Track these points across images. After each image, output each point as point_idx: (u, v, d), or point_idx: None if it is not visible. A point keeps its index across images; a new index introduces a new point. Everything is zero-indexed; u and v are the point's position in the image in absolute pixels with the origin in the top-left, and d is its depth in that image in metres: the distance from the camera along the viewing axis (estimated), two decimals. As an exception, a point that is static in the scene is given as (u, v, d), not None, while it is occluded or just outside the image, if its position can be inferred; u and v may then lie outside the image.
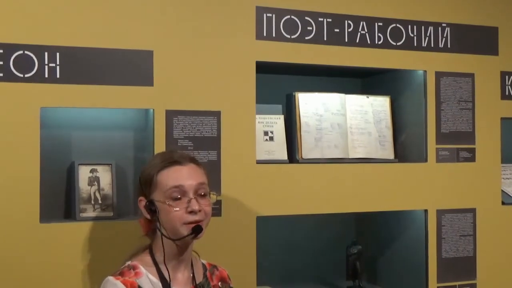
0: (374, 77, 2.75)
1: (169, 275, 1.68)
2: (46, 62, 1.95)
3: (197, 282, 1.76)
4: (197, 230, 1.66)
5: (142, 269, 1.67)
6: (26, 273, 1.90)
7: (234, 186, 2.13)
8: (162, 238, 1.68)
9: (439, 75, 2.50)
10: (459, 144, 2.53)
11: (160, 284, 1.67)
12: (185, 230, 1.66)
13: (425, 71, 2.49)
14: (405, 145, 2.58)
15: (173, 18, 2.11)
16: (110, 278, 1.64)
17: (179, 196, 1.67)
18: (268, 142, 2.35)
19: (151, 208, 1.68)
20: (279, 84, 2.60)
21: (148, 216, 1.70)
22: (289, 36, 2.28)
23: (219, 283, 1.83)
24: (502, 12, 2.63)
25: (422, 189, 2.46)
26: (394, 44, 2.45)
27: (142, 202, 1.71)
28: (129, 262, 1.70)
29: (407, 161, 2.53)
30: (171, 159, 1.71)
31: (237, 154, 2.17)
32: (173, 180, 1.68)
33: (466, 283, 2.52)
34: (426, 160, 2.48)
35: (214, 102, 2.15)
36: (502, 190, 2.65)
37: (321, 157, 2.38)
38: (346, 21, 2.37)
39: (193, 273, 1.76)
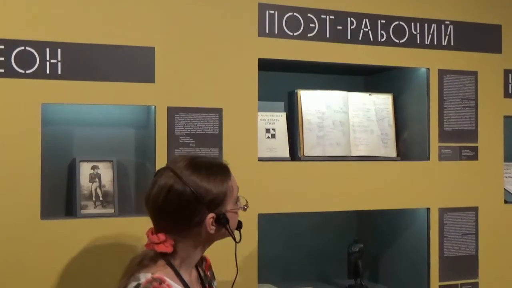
0: (376, 74, 2.74)
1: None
2: (48, 58, 1.94)
3: (202, 278, 1.75)
4: (241, 224, 1.75)
5: (169, 281, 1.60)
6: (27, 269, 1.89)
7: (236, 183, 2.12)
8: (235, 246, 1.73)
9: (442, 73, 2.49)
10: (462, 142, 2.52)
11: None
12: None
13: (428, 69, 2.48)
14: (408, 143, 2.57)
15: (175, 15, 2.10)
16: None
17: (238, 196, 1.72)
18: (270, 139, 2.34)
19: (221, 221, 1.65)
20: (281, 81, 2.59)
21: (212, 231, 1.65)
22: (291, 33, 2.27)
23: (208, 273, 1.83)
24: (506, 10, 2.62)
25: (425, 187, 2.46)
26: (397, 41, 2.44)
27: (211, 219, 1.64)
28: (150, 275, 1.58)
29: (410, 159, 2.53)
30: (224, 166, 1.71)
31: (239, 151, 2.16)
32: (235, 185, 1.71)
33: (468, 281, 2.51)
34: (428, 158, 2.47)
35: (216, 99, 2.14)
36: (505, 189, 2.64)
37: (323, 155, 2.37)
38: (348, 19, 2.36)
39: (197, 270, 1.75)
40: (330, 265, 2.77)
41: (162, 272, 1.60)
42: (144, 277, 1.57)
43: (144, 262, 1.63)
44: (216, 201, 1.64)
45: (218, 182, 1.65)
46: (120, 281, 1.63)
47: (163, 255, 1.64)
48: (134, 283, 1.56)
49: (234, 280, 1.84)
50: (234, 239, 1.71)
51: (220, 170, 1.69)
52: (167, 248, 1.62)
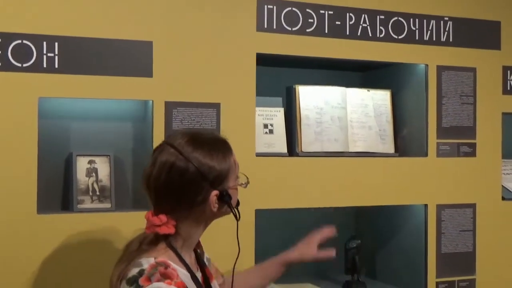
0: (375, 70, 2.74)
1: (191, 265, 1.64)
2: (45, 52, 1.93)
3: (200, 260, 1.73)
4: (238, 202, 1.71)
5: (173, 265, 1.54)
6: (23, 264, 1.89)
7: (233, 178, 2.11)
8: (237, 224, 1.68)
9: (440, 69, 2.49)
10: (460, 139, 2.52)
11: (189, 276, 1.59)
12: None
13: (426, 65, 2.48)
14: (406, 139, 2.57)
15: (173, 9, 2.09)
16: (162, 285, 1.47)
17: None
18: (268, 135, 2.34)
19: (225, 198, 1.62)
20: (279, 76, 2.59)
21: (216, 209, 1.62)
22: (290, 28, 2.27)
23: (198, 250, 1.79)
24: (505, 6, 2.62)
25: (422, 184, 2.45)
26: (396, 37, 2.43)
27: (215, 196, 1.60)
28: (153, 260, 1.53)
29: (407, 155, 2.52)
30: (224, 141, 1.68)
31: (237, 146, 2.13)
32: (237, 161, 1.68)
33: (465, 278, 2.51)
34: (426, 155, 2.47)
35: (214, 94, 2.14)
36: (503, 186, 2.64)
37: (321, 151, 2.37)
38: (347, 14, 2.35)
39: (195, 251, 1.72)
40: (327, 261, 2.75)
41: (164, 255, 1.56)
42: (147, 262, 1.52)
43: (143, 247, 1.58)
44: (220, 178, 1.60)
45: (221, 159, 1.61)
46: (116, 268, 1.57)
47: (164, 238, 1.59)
48: (136, 269, 1.51)
49: (236, 259, 1.81)
50: (236, 216, 1.66)
51: (222, 146, 1.65)
52: (169, 229, 1.58)
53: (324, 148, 2.38)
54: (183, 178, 1.57)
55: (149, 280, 1.48)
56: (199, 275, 1.67)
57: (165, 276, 1.49)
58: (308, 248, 2.05)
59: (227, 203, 1.63)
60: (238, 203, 1.71)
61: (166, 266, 1.52)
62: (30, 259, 1.90)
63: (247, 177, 1.72)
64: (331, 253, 2.06)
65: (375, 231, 2.75)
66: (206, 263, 1.81)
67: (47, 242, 1.92)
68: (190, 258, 1.66)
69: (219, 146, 1.64)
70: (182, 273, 1.56)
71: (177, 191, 1.58)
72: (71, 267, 1.94)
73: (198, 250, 1.77)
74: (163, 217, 1.57)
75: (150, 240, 1.59)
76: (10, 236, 1.88)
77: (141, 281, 1.49)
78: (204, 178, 1.58)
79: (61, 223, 1.95)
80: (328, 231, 2.08)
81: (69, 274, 1.94)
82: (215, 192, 1.60)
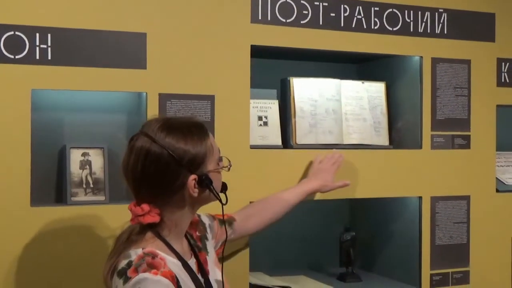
0: (369, 62, 2.73)
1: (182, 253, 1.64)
2: (38, 43, 1.92)
3: (193, 246, 1.72)
4: (226, 186, 1.72)
5: (162, 254, 1.55)
6: (16, 256, 1.88)
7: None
8: (222, 208, 1.69)
9: (435, 61, 2.49)
10: (454, 131, 2.52)
11: (180, 264, 1.59)
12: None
13: (421, 57, 2.48)
14: (400, 132, 2.57)
15: (167, 1, 2.08)
16: (148, 275, 1.47)
17: (221, 157, 1.69)
18: (262, 127, 2.33)
19: (205, 182, 1.60)
20: (274, 69, 2.58)
21: (196, 194, 1.60)
22: (284, 20, 2.26)
23: (196, 232, 1.79)
24: (499, -2, 2.62)
25: (417, 176, 2.46)
26: (390, 29, 2.43)
27: (193, 181, 1.59)
28: (141, 250, 1.53)
29: (402, 147, 2.52)
30: (200, 124, 1.66)
31: (231, 138, 2.15)
32: (215, 144, 1.67)
33: (459, 270, 2.52)
34: (421, 147, 2.47)
35: (208, 86, 2.13)
36: (497, 178, 2.64)
37: (316, 143, 2.36)
38: (342, 6, 2.35)
39: (187, 239, 1.72)
40: (322, 253, 2.77)
41: (152, 245, 1.56)
42: (135, 253, 1.53)
43: (132, 238, 1.58)
44: (196, 161, 1.59)
45: (196, 142, 1.60)
46: (107, 261, 1.58)
47: (151, 227, 1.59)
48: (125, 261, 1.52)
49: (225, 242, 1.82)
50: (220, 200, 1.66)
51: (196, 130, 1.63)
52: (154, 218, 1.58)
53: (318, 141, 2.38)
54: (158, 164, 1.57)
55: (137, 271, 1.49)
56: (193, 261, 1.67)
57: (152, 266, 1.50)
58: (328, 176, 2.19)
59: (207, 187, 1.62)
60: (225, 187, 1.71)
61: (154, 256, 1.52)
62: (24, 251, 1.89)
63: (229, 160, 1.71)
64: (347, 182, 2.24)
65: (370, 223, 2.76)
66: (208, 234, 1.81)
67: (40, 235, 1.91)
68: (181, 246, 1.65)
69: (193, 130, 1.63)
70: (171, 262, 1.56)
71: (155, 178, 1.58)
72: (65, 260, 1.93)
73: (194, 234, 1.76)
74: (145, 206, 1.57)
75: (138, 231, 1.60)
76: (4, 229, 1.87)
77: (129, 272, 1.50)
78: (179, 163, 1.57)
79: (54, 216, 1.94)
80: (338, 155, 2.26)
81: (62, 266, 1.93)
82: (193, 177, 1.59)
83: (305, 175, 2.27)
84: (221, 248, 1.89)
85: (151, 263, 1.50)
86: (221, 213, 1.73)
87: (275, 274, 2.52)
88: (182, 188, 1.59)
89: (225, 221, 1.88)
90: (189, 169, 1.58)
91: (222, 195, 1.69)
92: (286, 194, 2.14)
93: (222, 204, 1.68)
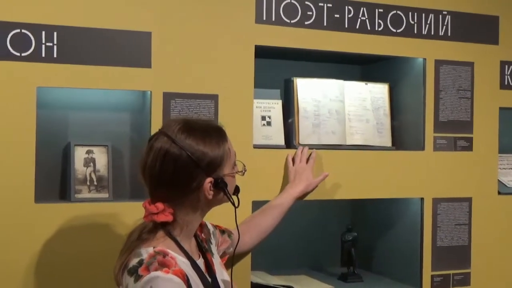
0: (373, 64, 2.74)
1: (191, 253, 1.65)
2: (43, 41, 1.93)
3: (201, 246, 1.74)
4: (238, 188, 1.73)
5: (172, 253, 1.56)
6: (21, 253, 1.89)
7: (231, 170, 2.12)
8: (235, 211, 1.70)
9: (438, 63, 2.49)
10: (457, 133, 2.52)
11: (189, 263, 1.61)
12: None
13: (424, 59, 2.48)
14: (403, 133, 2.57)
15: (172, 0, 2.09)
16: (159, 274, 1.48)
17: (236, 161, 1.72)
18: (266, 127, 2.34)
19: (220, 185, 1.63)
20: (277, 69, 2.59)
21: (211, 196, 1.62)
22: (288, 21, 2.27)
23: (202, 234, 1.81)
24: (504, 1, 2.62)
25: (419, 177, 2.46)
26: (394, 31, 2.43)
27: (209, 183, 1.61)
28: (152, 249, 1.55)
29: (404, 149, 2.53)
30: (219, 128, 1.69)
31: (234, 138, 2.13)
32: (232, 148, 1.69)
33: (460, 271, 2.52)
34: (423, 148, 2.48)
35: (212, 86, 2.14)
36: (499, 180, 2.64)
37: (318, 143, 2.37)
38: (346, 7, 2.35)
39: (195, 238, 1.74)
40: (323, 253, 2.78)
41: (163, 244, 1.58)
42: (146, 252, 1.55)
43: (143, 236, 1.60)
44: (213, 164, 1.61)
45: (215, 145, 1.62)
46: (118, 258, 1.60)
47: (163, 226, 1.61)
48: (136, 259, 1.54)
49: (236, 245, 1.85)
50: (233, 203, 1.68)
51: (216, 133, 1.66)
52: (167, 217, 1.60)
53: (321, 141, 2.38)
54: (176, 165, 1.59)
55: (148, 269, 1.50)
56: (201, 261, 1.68)
57: (163, 265, 1.51)
58: (309, 175, 2.22)
59: (222, 190, 1.64)
60: (238, 190, 1.73)
61: (164, 254, 1.54)
62: (28, 248, 1.90)
63: (244, 165, 1.74)
64: (326, 173, 2.26)
65: (371, 224, 2.76)
66: (212, 239, 1.83)
67: (44, 231, 1.92)
68: (190, 245, 1.67)
69: (213, 133, 1.65)
70: (181, 261, 1.57)
71: (172, 178, 1.60)
72: (69, 257, 1.94)
73: (200, 236, 1.78)
74: (160, 205, 1.59)
75: (149, 229, 1.61)
76: (8, 225, 1.89)
77: (140, 271, 1.51)
78: (197, 165, 1.59)
79: (58, 213, 1.95)
80: (308, 151, 2.28)
81: (66, 263, 1.94)
82: (209, 179, 1.61)
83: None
84: (224, 259, 1.93)
85: (163, 262, 1.52)
86: (220, 222, 1.78)
87: (277, 273, 2.52)
88: (198, 190, 1.61)
89: (225, 231, 1.95)
90: (206, 171, 1.61)
91: (234, 198, 1.70)
92: (276, 204, 2.15)
93: (235, 207, 1.70)
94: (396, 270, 2.61)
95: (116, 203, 2.04)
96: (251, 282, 2.22)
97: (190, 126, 1.63)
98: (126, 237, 1.67)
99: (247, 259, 2.17)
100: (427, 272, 2.47)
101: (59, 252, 1.93)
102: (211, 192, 1.62)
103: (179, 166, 1.59)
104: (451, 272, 2.51)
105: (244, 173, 1.75)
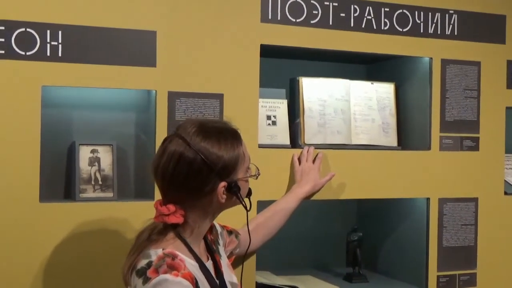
0: (379, 63, 2.73)
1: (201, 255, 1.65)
2: (48, 40, 1.93)
3: (210, 248, 1.74)
4: (251, 191, 1.72)
5: (181, 255, 1.55)
6: (25, 252, 1.89)
7: (236, 169, 2.11)
8: (247, 215, 1.71)
9: (445, 62, 2.48)
10: (463, 133, 2.51)
11: (197, 266, 1.60)
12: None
13: (431, 58, 2.47)
14: (409, 133, 2.56)
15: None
16: (168, 276, 1.48)
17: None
18: (271, 126, 2.34)
19: (233, 189, 1.61)
20: (283, 68, 2.58)
21: (223, 200, 1.61)
22: (294, 20, 2.26)
23: (210, 235, 1.79)
24: (510, 0, 2.60)
25: (425, 177, 2.45)
26: (401, 30, 2.42)
27: (223, 188, 1.60)
28: (161, 251, 1.54)
29: (410, 148, 2.52)
30: (234, 131, 1.67)
31: (239, 137, 2.15)
32: (247, 152, 1.68)
33: (466, 272, 2.51)
34: (429, 148, 2.47)
35: (217, 85, 2.13)
36: (505, 180, 2.63)
37: (324, 143, 2.36)
38: (352, 6, 2.35)
39: (204, 240, 1.73)
40: (328, 253, 2.77)
41: (172, 246, 1.57)
42: (155, 253, 1.54)
43: (153, 237, 1.59)
44: (228, 168, 1.60)
45: (230, 149, 1.60)
46: (127, 258, 1.59)
47: (173, 227, 1.60)
48: (145, 261, 1.53)
49: (247, 248, 1.85)
50: (245, 207, 1.67)
51: (231, 136, 1.64)
52: (178, 219, 1.58)
53: (327, 140, 2.37)
54: (191, 168, 1.57)
55: (157, 272, 1.50)
56: (209, 263, 1.68)
57: (172, 267, 1.50)
58: (315, 175, 2.21)
59: (235, 194, 1.63)
60: (250, 193, 1.72)
61: (174, 257, 1.53)
62: (32, 247, 1.90)
63: (257, 168, 1.72)
64: (333, 173, 2.26)
65: (377, 224, 2.76)
66: (219, 239, 1.83)
67: (49, 231, 1.92)
68: (199, 248, 1.66)
69: (228, 136, 1.63)
70: (190, 264, 1.57)
71: (185, 181, 1.58)
72: (73, 256, 1.94)
73: (209, 237, 1.77)
74: (171, 207, 1.58)
75: (159, 230, 1.60)
76: (13, 224, 1.89)
77: (149, 273, 1.50)
78: (211, 169, 1.58)
79: (63, 212, 1.95)
80: (316, 152, 2.27)
81: (70, 262, 1.94)
82: (223, 184, 1.60)
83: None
84: (231, 260, 1.92)
85: (172, 264, 1.51)
86: (226, 222, 1.78)
87: (282, 274, 2.52)
88: (211, 194, 1.60)
89: (233, 232, 1.94)
90: (220, 175, 1.59)
91: (246, 201, 1.69)
92: (283, 204, 2.15)
93: (247, 211, 1.69)
94: (401, 270, 2.60)
95: (121, 202, 2.04)
96: (256, 282, 2.21)
97: (205, 129, 1.61)
98: (131, 236, 1.66)
99: (252, 259, 2.17)
100: (433, 272, 2.46)
101: (64, 252, 1.93)
102: (224, 196, 1.61)
103: (193, 169, 1.57)
104: (457, 272, 2.49)
105: (257, 177, 1.73)
